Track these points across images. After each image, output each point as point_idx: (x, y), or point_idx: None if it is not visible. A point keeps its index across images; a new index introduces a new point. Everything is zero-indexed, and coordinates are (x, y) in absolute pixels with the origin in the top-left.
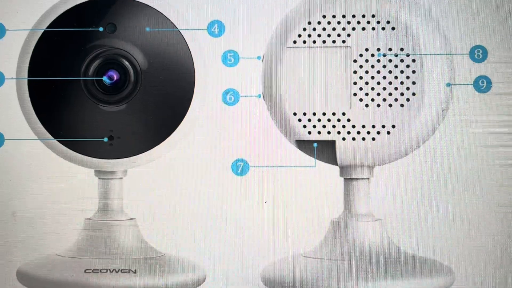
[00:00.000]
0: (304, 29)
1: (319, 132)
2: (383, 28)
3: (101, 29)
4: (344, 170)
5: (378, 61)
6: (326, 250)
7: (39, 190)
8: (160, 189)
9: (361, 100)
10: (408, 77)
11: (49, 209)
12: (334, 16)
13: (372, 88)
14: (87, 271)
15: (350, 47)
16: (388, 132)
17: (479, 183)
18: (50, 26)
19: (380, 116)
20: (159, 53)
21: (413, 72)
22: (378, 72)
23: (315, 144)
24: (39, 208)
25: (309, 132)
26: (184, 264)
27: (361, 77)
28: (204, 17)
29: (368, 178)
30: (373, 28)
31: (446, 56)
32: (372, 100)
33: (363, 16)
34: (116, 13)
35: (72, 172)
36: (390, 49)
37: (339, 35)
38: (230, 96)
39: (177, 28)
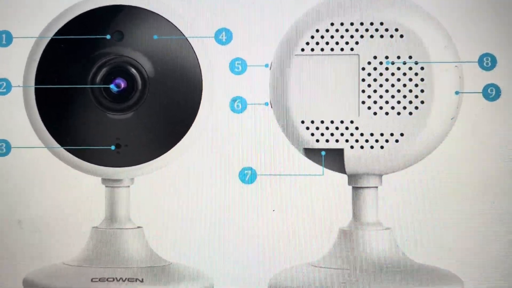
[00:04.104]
0: (312, 37)
1: (327, 140)
2: (392, 36)
3: (108, 36)
4: (352, 178)
5: (387, 69)
6: (334, 259)
7: (45, 198)
8: (167, 198)
9: (369, 108)
10: (416, 85)
11: (56, 217)
12: (342, 24)
13: (381, 96)
14: (94, 280)
15: (358, 55)
16: (397, 140)
17: (489, 192)
18: (57, 33)
19: (389, 124)
20: (166, 61)
21: (422, 80)
22: (387, 80)
23: (323, 152)
24: (45, 216)
25: (317, 140)
26: (191, 273)
27: (369, 85)
28: (212, 25)
29: (376, 187)
30: (382, 36)
31: (455, 64)
32: (381, 108)
33: (371, 23)
34: (123, 21)
35: (79, 180)
36: (398, 57)
37: (347, 43)
38: (238, 104)
39: (184, 36)
